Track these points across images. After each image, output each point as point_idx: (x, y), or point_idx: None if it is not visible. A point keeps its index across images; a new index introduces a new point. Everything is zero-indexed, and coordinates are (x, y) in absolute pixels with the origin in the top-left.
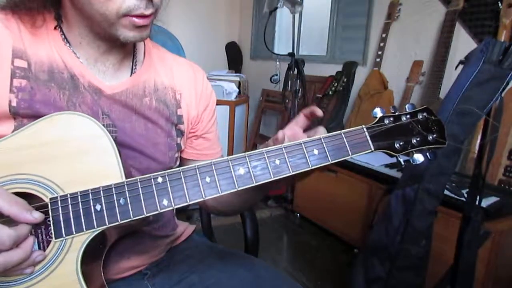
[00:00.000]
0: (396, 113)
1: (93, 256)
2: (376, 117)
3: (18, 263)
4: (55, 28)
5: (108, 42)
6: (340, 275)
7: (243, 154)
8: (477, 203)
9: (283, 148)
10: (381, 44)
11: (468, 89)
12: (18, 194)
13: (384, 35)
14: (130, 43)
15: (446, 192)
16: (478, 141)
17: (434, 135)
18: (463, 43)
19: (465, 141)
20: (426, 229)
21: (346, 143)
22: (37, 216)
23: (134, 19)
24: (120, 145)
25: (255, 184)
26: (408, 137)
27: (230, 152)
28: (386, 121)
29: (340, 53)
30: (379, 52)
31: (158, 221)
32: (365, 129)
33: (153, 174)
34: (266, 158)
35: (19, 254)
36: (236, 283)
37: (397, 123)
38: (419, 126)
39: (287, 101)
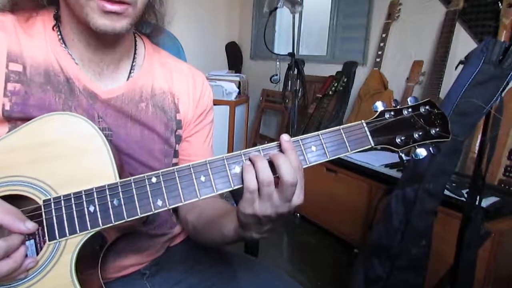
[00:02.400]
0: (398, 107)
1: (89, 258)
2: (376, 111)
3: (8, 273)
4: (53, 28)
5: (94, 37)
6: (340, 275)
7: (238, 152)
8: (477, 203)
9: None
10: (381, 44)
11: (468, 89)
12: (11, 196)
13: (384, 35)
14: (117, 41)
15: (446, 192)
16: (478, 141)
17: (437, 129)
18: (463, 43)
19: (465, 141)
20: (426, 229)
21: (345, 139)
22: (30, 226)
23: (104, 3)
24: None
25: None
26: (410, 131)
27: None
28: (387, 116)
29: (340, 53)
30: (379, 52)
31: (155, 220)
32: (364, 124)
33: (147, 174)
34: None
35: (9, 265)
36: (236, 284)
37: (398, 117)
38: (421, 120)
39: (287, 101)
